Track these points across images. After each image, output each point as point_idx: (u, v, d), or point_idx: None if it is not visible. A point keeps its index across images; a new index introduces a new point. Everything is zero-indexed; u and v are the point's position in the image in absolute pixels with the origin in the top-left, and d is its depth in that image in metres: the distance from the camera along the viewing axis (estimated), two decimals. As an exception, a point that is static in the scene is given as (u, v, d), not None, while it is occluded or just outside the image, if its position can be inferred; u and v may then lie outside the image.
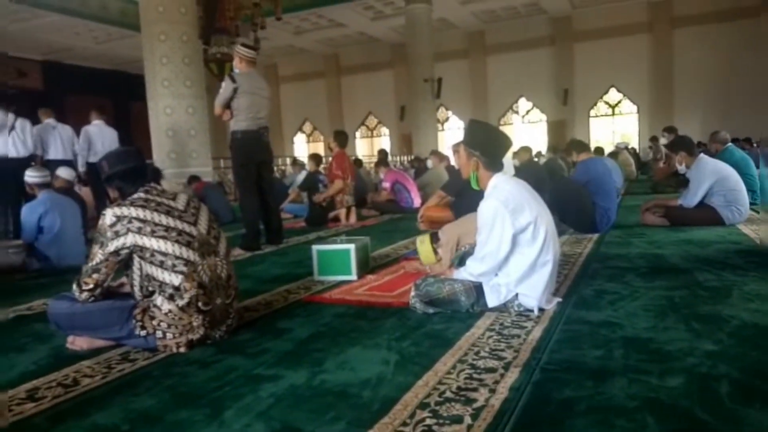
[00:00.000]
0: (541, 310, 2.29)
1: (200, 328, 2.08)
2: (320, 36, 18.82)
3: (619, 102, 18.89)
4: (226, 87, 4.48)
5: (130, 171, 2.21)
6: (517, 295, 2.29)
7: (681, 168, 4.80)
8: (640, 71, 17.93)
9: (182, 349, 2.05)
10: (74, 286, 2.09)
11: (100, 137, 6.93)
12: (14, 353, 2.19)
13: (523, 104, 19.86)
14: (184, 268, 2.04)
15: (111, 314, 2.09)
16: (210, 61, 10.63)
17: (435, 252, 3.04)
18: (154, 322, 2.03)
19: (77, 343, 2.16)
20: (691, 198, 4.57)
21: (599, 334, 1.99)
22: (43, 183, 4.22)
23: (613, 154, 11.26)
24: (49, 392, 1.74)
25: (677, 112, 17.37)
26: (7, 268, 3.92)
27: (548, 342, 1.94)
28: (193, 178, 7.54)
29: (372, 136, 22.02)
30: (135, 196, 2.13)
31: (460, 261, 2.59)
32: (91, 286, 2.06)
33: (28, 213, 4.06)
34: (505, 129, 17.44)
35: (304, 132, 23.13)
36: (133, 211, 2.05)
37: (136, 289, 2.11)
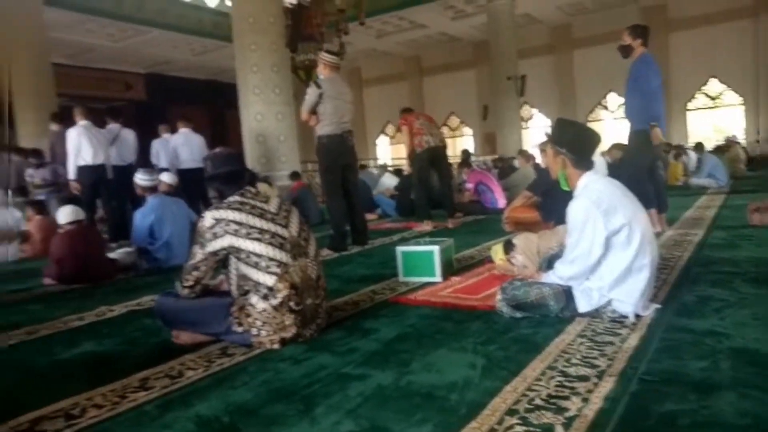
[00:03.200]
0: (637, 316, 2.18)
1: (292, 326, 2.17)
2: (402, 38, 18.93)
3: (721, 94, 17.51)
4: (311, 93, 4.62)
5: (231, 174, 2.33)
6: (610, 300, 2.19)
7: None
8: (745, 60, 16.50)
9: (276, 346, 2.14)
10: (177, 283, 2.25)
11: (188, 145, 7.25)
12: (127, 345, 2.39)
13: (613, 99, 18.92)
14: (277, 270, 2.13)
15: (210, 311, 2.22)
16: (298, 68, 11.01)
17: (509, 262, 2.99)
18: (250, 320, 2.14)
19: (181, 338, 2.31)
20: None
21: (703, 344, 1.87)
22: (151, 186, 4.54)
23: (720, 149, 10.46)
24: (158, 382, 1.87)
25: (790, 103, 15.83)
26: (121, 268, 4.27)
27: (646, 351, 1.85)
28: (295, 175, 7.95)
29: (454, 137, 21.86)
30: (231, 199, 2.24)
31: (548, 264, 2.52)
32: (191, 283, 2.21)
33: (140, 219, 4.34)
34: (593, 126, 16.69)
35: (386, 134, 23.37)
36: (230, 214, 2.16)
37: (233, 287, 2.23)
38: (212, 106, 18.16)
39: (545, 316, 2.26)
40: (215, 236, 2.15)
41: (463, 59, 20.42)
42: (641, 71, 4.31)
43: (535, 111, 20.06)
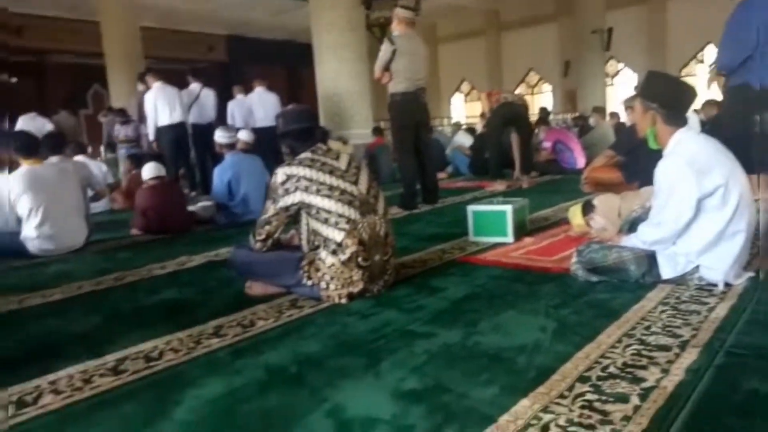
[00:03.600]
0: (727, 285, 2.01)
1: (360, 282, 2.18)
2: (480, -9, 18.21)
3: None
4: (385, 50, 4.55)
5: (302, 131, 2.33)
6: (698, 266, 2.03)
7: None
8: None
9: (343, 300, 2.16)
10: (250, 237, 2.31)
11: (262, 104, 7.49)
12: (204, 294, 2.50)
13: (711, 51, 17.39)
14: (346, 226, 2.13)
15: (282, 264, 2.27)
16: (373, 25, 10.87)
17: (587, 225, 2.83)
18: (319, 274, 2.16)
19: (254, 288, 2.38)
20: None
21: (804, 318, 1.70)
22: (229, 143, 4.69)
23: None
24: (231, 330, 1.95)
25: None
26: (200, 221, 4.48)
27: (736, 322, 1.70)
28: (377, 130, 7.98)
29: (533, 94, 21.00)
30: (303, 155, 2.25)
31: (631, 227, 2.37)
32: (263, 236, 2.26)
33: (219, 175, 4.51)
34: (688, 81, 15.45)
35: (461, 92, 22.83)
36: (301, 171, 2.17)
37: (304, 242, 2.26)
38: (288, 66, 18.34)
39: (624, 282, 2.14)
40: (287, 192, 2.18)
41: (544, 12, 19.35)
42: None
43: (621, 66, 18.85)
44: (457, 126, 11.12)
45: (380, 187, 2.39)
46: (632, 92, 4.33)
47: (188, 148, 6.57)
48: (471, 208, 3.19)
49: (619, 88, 18.52)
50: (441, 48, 22.10)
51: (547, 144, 7.08)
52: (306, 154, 2.25)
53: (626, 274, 2.13)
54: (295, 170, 2.19)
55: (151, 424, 1.33)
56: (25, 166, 3.60)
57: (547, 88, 20.80)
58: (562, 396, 1.31)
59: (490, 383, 1.41)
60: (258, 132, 7.04)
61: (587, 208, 2.88)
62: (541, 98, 20.58)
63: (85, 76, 14.33)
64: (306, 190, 2.15)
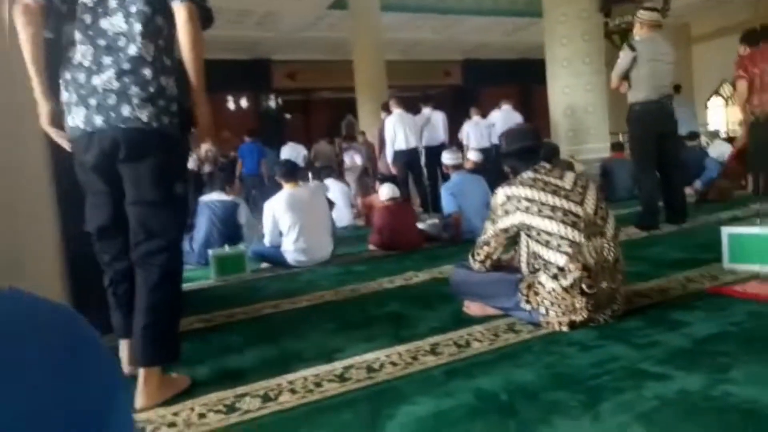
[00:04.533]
0: None
1: (583, 310, 2.02)
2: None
3: None
4: (624, 57, 4.24)
5: (525, 150, 2.28)
6: None
7: None
8: None
9: (564, 328, 2.03)
10: (470, 256, 2.32)
11: (504, 122, 7.55)
12: (426, 309, 2.58)
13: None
14: (569, 249, 2.01)
15: (500, 285, 2.23)
16: (613, 32, 10.14)
17: None
18: (539, 298, 2.07)
19: (471, 308, 2.39)
20: None
21: None
22: (455, 164, 4.86)
23: None
24: (446, 349, 1.97)
25: None
26: (430, 238, 4.70)
27: None
28: (617, 146, 7.58)
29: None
30: (525, 175, 2.19)
31: None
32: (482, 257, 2.26)
33: (445, 193, 4.73)
34: None
35: (721, 95, 19.79)
36: (522, 191, 2.12)
37: (523, 264, 2.19)
38: (521, 83, 18.22)
39: None
40: (506, 213, 2.14)
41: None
42: None
43: None
44: (715, 135, 9.69)
45: (609, 206, 2.20)
46: None
47: (420, 170, 6.99)
48: (726, 230, 2.72)
49: None
50: (695, 48, 19.61)
51: None
52: (528, 174, 2.19)
53: None
54: (515, 190, 2.14)
55: (365, 432, 1.41)
56: (287, 189, 4.22)
57: None
58: None
59: (740, 446, 1.16)
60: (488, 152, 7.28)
61: None
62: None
63: (340, 108, 16.36)
64: (526, 210, 2.09)
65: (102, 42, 1.70)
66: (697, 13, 18.27)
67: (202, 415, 1.62)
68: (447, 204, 4.66)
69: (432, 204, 6.74)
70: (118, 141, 1.70)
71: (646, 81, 4.17)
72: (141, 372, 1.72)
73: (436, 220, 4.93)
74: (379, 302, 2.81)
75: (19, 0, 1.65)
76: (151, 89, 1.70)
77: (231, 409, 1.64)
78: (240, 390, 1.77)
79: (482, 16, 14.90)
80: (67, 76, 1.73)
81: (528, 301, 2.10)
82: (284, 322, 2.65)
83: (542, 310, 2.06)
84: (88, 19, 1.71)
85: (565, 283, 2.01)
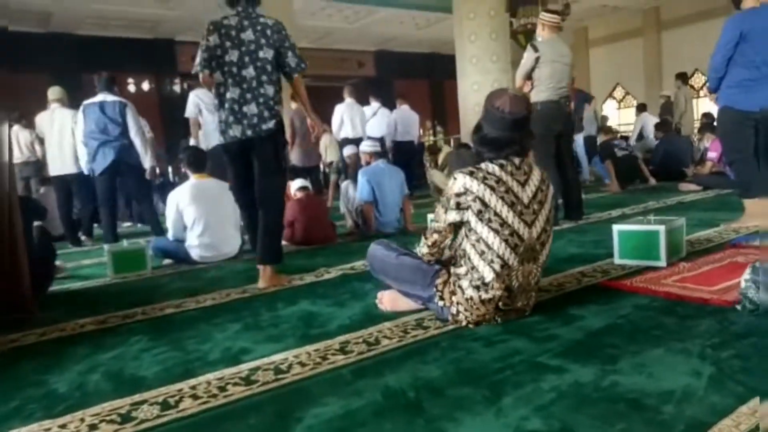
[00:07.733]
0: None
1: (492, 320, 2.10)
2: (639, -11, 16.88)
3: None
4: (527, 57, 4.41)
5: (505, 142, 2.06)
6: None
7: None
8: None
9: (470, 325, 2.08)
10: (422, 237, 2.21)
11: (403, 120, 8.03)
12: (336, 307, 2.57)
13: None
14: (499, 269, 2.00)
15: (417, 273, 2.22)
16: (518, 32, 10.57)
17: None
18: (455, 299, 2.08)
19: (384, 302, 2.40)
20: None
21: None
22: (375, 152, 4.88)
23: None
24: (356, 347, 1.97)
25: None
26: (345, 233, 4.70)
27: None
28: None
29: (698, 97, 18.94)
30: (491, 168, 2.02)
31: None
32: (430, 242, 2.15)
33: (361, 178, 4.65)
34: None
35: (614, 98, 21.32)
36: (482, 191, 1.98)
37: (451, 250, 2.15)
38: (431, 78, 18.58)
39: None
40: (458, 207, 2.01)
41: (715, 5, 17.42)
42: None
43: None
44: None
45: (552, 229, 2.16)
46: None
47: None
48: (617, 228, 2.92)
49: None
50: (592, 51, 20.92)
51: (713, 154, 6.31)
52: (495, 168, 2.02)
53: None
54: (475, 186, 1.98)
55: (272, 438, 1.38)
56: (193, 180, 4.03)
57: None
58: (715, 461, 1.12)
59: (626, 434, 1.25)
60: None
61: None
62: (707, 102, 18.46)
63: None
64: (478, 215, 1.98)
65: (245, 86, 3.04)
66: (595, 17, 19.48)
67: (93, 426, 1.51)
68: (362, 190, 4.61)
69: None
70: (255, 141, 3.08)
71: (547, 81, 4.37)
72: (261, 268, 3.08)
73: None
74: (288, 300, 2.76)
75: (198, 71, 3.09)
76: (273, 111, 3.09)
77: (126, 418, 1.54)
78: (137, 397, 1.67)
79: (394, 8, 14.98)
80: (226, 105, 3.07)
81: (442, 298, 2.12)
82: (187, 322, 2.53)
83: (453, 310, 2.09)
84: (234, 70, 3.04)
85: (485, 296, 2.02)
